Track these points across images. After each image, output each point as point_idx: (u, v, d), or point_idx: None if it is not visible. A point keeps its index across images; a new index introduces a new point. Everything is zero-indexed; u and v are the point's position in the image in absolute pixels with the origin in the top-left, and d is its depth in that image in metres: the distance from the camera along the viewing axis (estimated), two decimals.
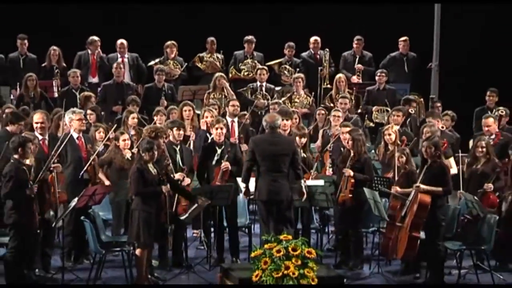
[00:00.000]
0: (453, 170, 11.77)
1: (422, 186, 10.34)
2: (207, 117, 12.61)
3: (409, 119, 13.80)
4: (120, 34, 15.77)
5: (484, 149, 11.46)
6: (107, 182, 11.34)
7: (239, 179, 11.16)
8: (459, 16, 16.14)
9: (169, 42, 15.70)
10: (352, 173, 11.02)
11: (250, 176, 10.68)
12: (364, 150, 11.26)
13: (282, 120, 11.20)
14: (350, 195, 11.04)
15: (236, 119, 13.34)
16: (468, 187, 11.44)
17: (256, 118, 14.23)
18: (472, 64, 16.33)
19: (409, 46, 16.07)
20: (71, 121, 11.31)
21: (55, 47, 15.27)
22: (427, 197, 10.29)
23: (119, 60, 15.43)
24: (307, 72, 15.67)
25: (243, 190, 10.82)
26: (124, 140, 11.49)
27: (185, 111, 13.09)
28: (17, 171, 9.88)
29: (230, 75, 15.92)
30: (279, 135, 10.81)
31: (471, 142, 12.55)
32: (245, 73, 15.90)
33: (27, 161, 9.98)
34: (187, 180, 11.14)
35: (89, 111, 12.83)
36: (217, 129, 11.39)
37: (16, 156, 9.97)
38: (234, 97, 14.43)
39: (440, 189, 10.34)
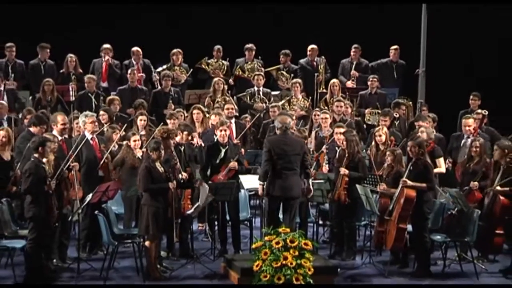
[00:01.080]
0: (442, 169, 12.28)
1: (409, 181, 10.78)
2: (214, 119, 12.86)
3: (398, 121, 14.24)
4: (132, 41, 16.10)
5: (478, 149, 11.79)
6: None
7: (241, 177, 11.68)
8: (445, 24, 16.46)
9: (175, 50, 16.02)
10: (347, 172, 11.49)
11: (267, 176, 10.95)
12: (358, 150, 11.66)
13: None
14: (345, 192, 11.50)
15: (233, 120, 13.68)
16: (462, 184, 11.83)
17: (255, 120, 14.53)
18: (457, 70, 16.78)
19: (399, 54, 16.40)
20: (85, 124, 11.81)
21: (71, 55, 15.53)
22: (412, 192, 10.75)
23: (134, 66, 15.71)
24: (304, 78, 16.00)
25: (260, 188, 11.06)
26: (135, 140, 11.84)
27: (195, 114, 13.45)
28: (37, 168, 10.28)
29: (237, 73, 16.27)
30: (290, 135, 11.20)
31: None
32: (249, 75, 16.20)
33: (45, 160, 10.36)
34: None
35: (101, 112, 13.17)
36: (221, 131, 11.77)
37: (36, 155, 10.38)
38: (230, 99, 14.76)
39: (424, 185, 10.81)
